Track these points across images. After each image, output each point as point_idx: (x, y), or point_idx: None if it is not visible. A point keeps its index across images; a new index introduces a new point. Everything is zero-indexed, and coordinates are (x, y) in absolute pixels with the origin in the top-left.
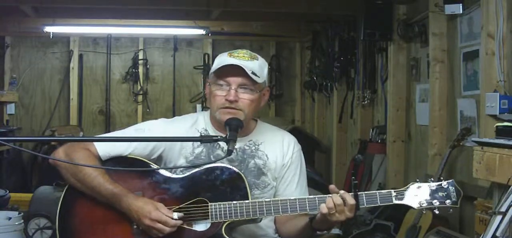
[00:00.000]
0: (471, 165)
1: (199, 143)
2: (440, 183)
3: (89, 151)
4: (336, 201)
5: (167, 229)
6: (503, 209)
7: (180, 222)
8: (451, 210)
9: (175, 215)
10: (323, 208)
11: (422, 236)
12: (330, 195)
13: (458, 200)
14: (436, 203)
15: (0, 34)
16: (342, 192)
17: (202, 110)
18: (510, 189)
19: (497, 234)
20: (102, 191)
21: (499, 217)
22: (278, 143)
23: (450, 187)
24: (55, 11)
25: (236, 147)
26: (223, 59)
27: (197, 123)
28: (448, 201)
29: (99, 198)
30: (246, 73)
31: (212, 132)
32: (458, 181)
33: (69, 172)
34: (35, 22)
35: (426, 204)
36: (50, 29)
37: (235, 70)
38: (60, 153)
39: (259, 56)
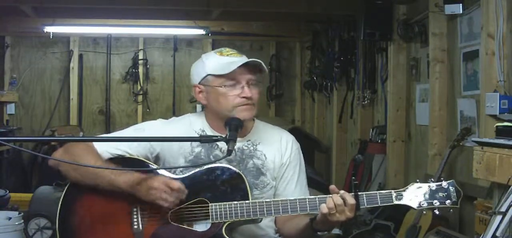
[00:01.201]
0: (471, 165)
1: (198, 143)
2: (440, 183)
3: (88, 145)
4: (336, 201)
5: (172, 194)
6: (503, 209)
7: (185, 191)
8: (451, 210)
9: (177, 183)
10: (324, 208)
11: (422, 236)
12: (331, 195)
13: (458, 200)
14: (436, 203)
15: (0, 34)
16: (342, 192)
17: (202, 110)
18: (510, 189)
19: (497, 234)
20: (106, 173)
21: (499, 217)
22: (276, 142)
23: (450, 187)
24: (55, 11)
25: (235, 147)
26: (220, 60)
27: (194, 123)
28: (448, 201)
29: (102, 184)
30: (251, 69)
31: (209, 132)
32: (458, 181)
33: (70, 166)
34: (35, 22)
35: (426, 205)
36: (50, 29)
37: (240, 67)
38: (60, 152)
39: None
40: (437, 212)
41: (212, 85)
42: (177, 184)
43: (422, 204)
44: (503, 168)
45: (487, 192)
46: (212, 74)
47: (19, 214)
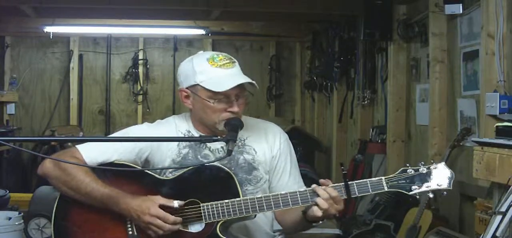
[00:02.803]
0: (471, 165)
1: (184, 144)
2: (431, 166)
3: (77, 159)
4: (327, 199)
5: (167, 226)
6: (503, 209)
7: (179, 219)
8: (445, 192)
9: (176, 203)
10: (317, 212)
11: (422, 236)
12: (321, 188)
13: (451, 182)
14: (429, 187)
15: (0, 34)
16: (328, 189)
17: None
18: (510, 189)
19: (497, 234)
20: (97, 196)
21: (499, 217)
22: (264, 135)
23: (442, 170)
24: (55, 11)
25: (223, 145)
26: (212, 71)
27: (179, 125)
28: (441, 184)
29: (94, 203)
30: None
31: (195, 133)
32: (458, 181)
33: (61, 181)
34: (35, 22)
35: (419, 189)
36: (50, 29)
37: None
38: (48, 166)
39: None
40: (431, 196)
41: (200, 96)
42: (172, 218)
43: (415, 189)
44: (503, 168)
45: (487, 192)
46: (202, 86)
47: (19, 214)
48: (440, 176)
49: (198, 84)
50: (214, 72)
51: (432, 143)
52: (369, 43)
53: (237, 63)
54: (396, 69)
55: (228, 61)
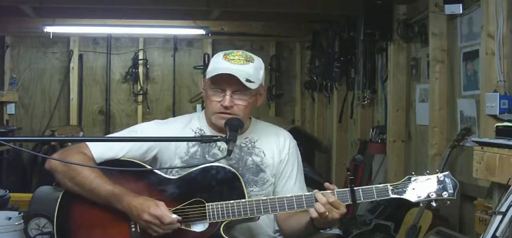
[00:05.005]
0: (471, 165)
1: (193, 142)
2: (436, 175)
3: (85, 154)
4: (324, 204)
5: (161, 230)
6: (503, 209)
7: (177, 218)
8: (448, 202)
9: (174, 216)
10: (313, 213)
11: (422, 236)
12: (320, 193)
13: (455, 191)
14: (433, 195)
15: (0, 34)
16: (327, 194)
17: (202, 110)
18: (510, 189)
19: (497, 234)
20: (102, 192)
21: (499, 217)
22: (274, 139)
23: (446, 179)
24: (55, 11)
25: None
26: (218, 63)
27: (191, 123)
28: (445, 193)
29: (98, 199)
30: (240, 80)
31: (208, 131)
32: (458, 181)
33: (66, 177)
34: (35, 22)
35: (423, 197)
36: (50, 29)
37: (230, 75)
38: (55, 161)
39: (255, 57)
40: (434, 204)
41: (205, 86)
42: (169, 219)
43: (419, 197)
44: (503, 168)
45: (487, 192)
46: (207, 76)
47: (19, 214)
48: (445, 185)
49: (206, 75)
50: (221, 64)
51: (432, 143)
52: (369, 43)
53: (252, 64)
54: (396, 69)
55: (241, 58)
